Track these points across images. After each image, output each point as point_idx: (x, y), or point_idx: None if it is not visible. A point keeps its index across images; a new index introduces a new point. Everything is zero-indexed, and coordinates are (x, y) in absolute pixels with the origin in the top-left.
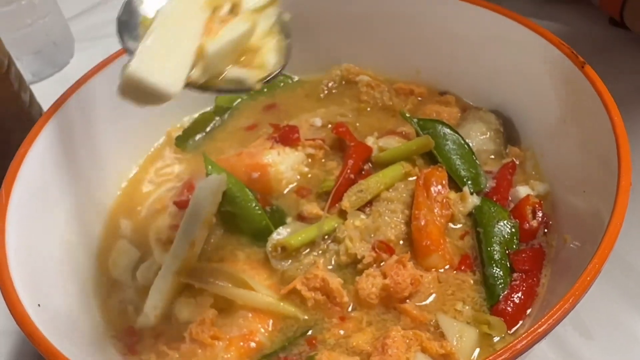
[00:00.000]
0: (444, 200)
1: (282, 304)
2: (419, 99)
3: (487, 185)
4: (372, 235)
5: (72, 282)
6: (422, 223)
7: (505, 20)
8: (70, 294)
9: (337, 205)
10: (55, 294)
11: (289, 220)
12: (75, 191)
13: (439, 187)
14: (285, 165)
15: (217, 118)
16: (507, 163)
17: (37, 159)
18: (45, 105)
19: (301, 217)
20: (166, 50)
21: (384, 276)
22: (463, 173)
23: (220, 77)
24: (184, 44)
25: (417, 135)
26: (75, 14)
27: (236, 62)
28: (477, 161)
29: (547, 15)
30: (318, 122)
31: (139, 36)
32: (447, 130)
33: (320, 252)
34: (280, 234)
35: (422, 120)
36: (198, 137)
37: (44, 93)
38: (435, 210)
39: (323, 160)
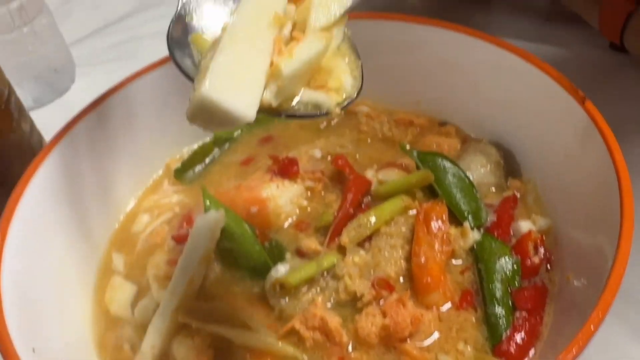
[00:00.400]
0: (445, 236)
1: (280, 344)
2: (419, 129)
3: (488, 219)
4: (372, 271)
5: (68, 322)
6: (423, 260)
7: (505, 53)
8: (67, 335)
9: (336, 240)
10: (50, 337)
11: (287, 255)
12: (72, 227)
13: (439, 222)
14: (284, 199)
15: (216, 149)
16: (508, 196)
17: (34, 198)
18: (45, 133)
19: (300, 253)
20: (239, 70)
21: (384, 315)
22: (464, 207)
23: (295, 101)
24: (256, 63)
25: (417, 167)
26: (77, 39)
27: (308, 84)
28: (477, 194)
29: (546, 39)
30: (318, 153)
31: (192, 55)
32: (448, 164)
33: (319, 289)
34: (279, 271)
35: (422, 153)
36: (197, 169)
37: (45, 119)
38: (436, 247)
39: (322, 192)
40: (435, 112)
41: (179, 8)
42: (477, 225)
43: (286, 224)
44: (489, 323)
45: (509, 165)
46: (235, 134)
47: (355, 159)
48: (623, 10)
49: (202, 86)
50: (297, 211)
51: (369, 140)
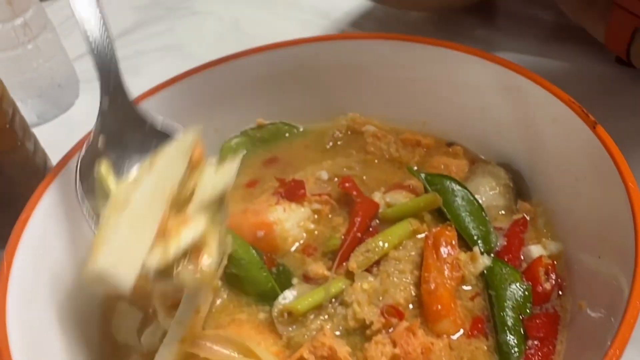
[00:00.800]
0: (454, 262)
1: None
2: (426, 150)
3: (498, 243)
4: (381, 298)
5: (75, 353)
6: (432, 287)
7: (514, 75)
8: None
9: (344, 265)
10: None
11: (295, 281)
12: (77, 254)
13: (449, 247)
14: (291, 222)
15: None
16: (518, 219)
17: (40, 225)
18: (50, 148)
19: (307, 278)
20: (127, 246)
21: (394, 345)
22: (473, 231)
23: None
24: (143, 239)
25: (425, 190)
26: (80, 54)
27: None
28: (487, 218)
29: (551, 53)
30: (324, 175)
31: (97, 196)
32: (456, 186)
33: (327, 316)
34: (287, 298)
35: (429, 175)
36: None
37: (49, 136)
38: (446, 273)
39: (329, 215)
40: (442, 132)
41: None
42: (487, 250)
43: (293, 248)
44: (501, 352)
45: (519, 188)
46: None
47: (362, 180)
48: (630, 24)
49: (93, 262)
50: (304, 235)
51: (376, 161)
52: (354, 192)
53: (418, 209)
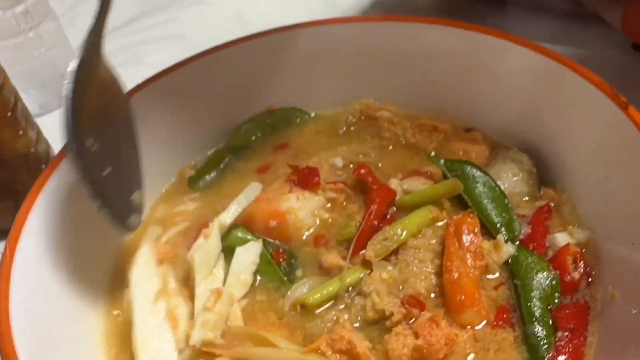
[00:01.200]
0: (477, 250)
1: (310, 357)
2: (443, 135)
3: (522, 231)
4: (401, 287)
5: (80, 346)
6: (455, 276)
7: (537, 56)
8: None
9: (360, 254)
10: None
11: (299, 272)
12: (82, 243)
13: (471, 235)
14: (304, 211)
15: (230, 156)
16: (542, 206)
17: (43, 213)
18: (52, 139)
19: (321, 268)
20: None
21: (416, 336)
22: (495, 219)
23: None
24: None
25: (444, 176)
26: None
27: None
28: (509, 205)
29: (566, 41)
30: (339, 162)
31: None
32: (477, 172)
33: (344, 306)
34: (298, 290)
35: (449, 161)
36: (211, 176)
37: (52, 126)
38: (469, 261)
39: (344, 203)
40: (459, 118)
41: None
42: (511, 238)
43: (305, 236)
44: (529, 344)
45: (542, 174)
46: (253, 138)
47: (377, 167)
48: None
49: None
50: (318, 223)
51: (391, 147)
52: (370, 179)
53: (437, 196)
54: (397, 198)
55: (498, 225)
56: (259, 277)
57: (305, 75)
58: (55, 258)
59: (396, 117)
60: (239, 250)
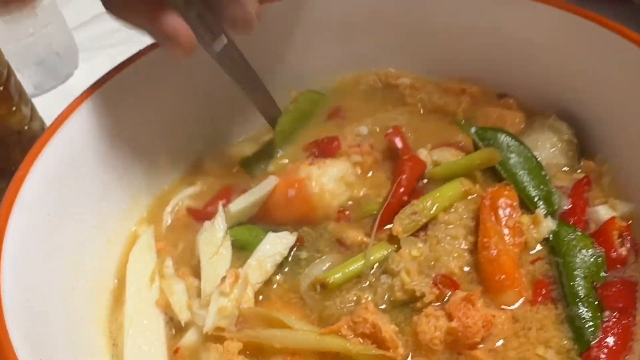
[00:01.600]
0: (516, 225)
1: (327, 338)
2: (472, 99)
3: (562, 205)
4: (432, 264)
5: (78, 330)
6: (493, 254)
7: (575, 18)
8: (75, 344)
9: (384, 229)
10: (59, 345)
11: (303, 255)
12: (75, 216)
13: (509, 209)
14: (327, 177)
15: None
16: (582, 179)
17: (37, 186)
18: (48, 121)
19: (342, 245)
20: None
21: (449, 317)
22: (532, 192)
23: None
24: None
25: (475, 147)
26: (80, 23)
27: None
28: (547, 177)
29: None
30: (364, 130)
31: None
32: (512, 141)
33: (368, 284)
34: (317, 268)
35: (481, 129)
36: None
37: (47, 107)
38: (507, 238)
39: (371, 172)
40: (489, 84)
41: None
42: (550, 212)
43: (335, 207)
44: (574, 327)
45: (581, 144)
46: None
47: (406, 137)
48: None
49: None
50: (345, 189)
51: (421, 112)
52: (401, 145)
53: (472, 167)
54: (426, 170)
55: (536, 199)
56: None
57: (321, 43)
58: (50, 233)
59: (419, 82)
60: (270, 236)
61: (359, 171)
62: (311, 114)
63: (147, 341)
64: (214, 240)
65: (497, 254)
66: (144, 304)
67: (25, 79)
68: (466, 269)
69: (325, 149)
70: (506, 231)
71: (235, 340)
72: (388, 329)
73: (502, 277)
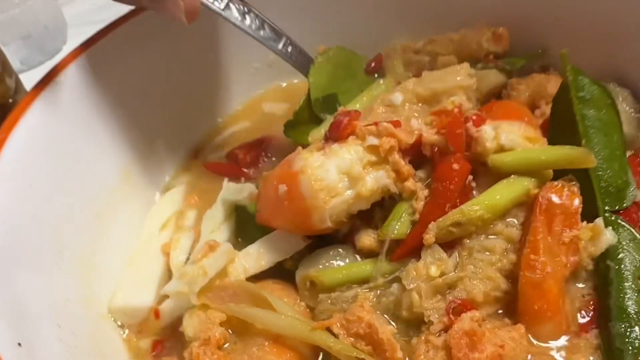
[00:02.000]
0: (574, 240)
1: (315, 331)
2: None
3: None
4: (450, 289)
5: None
6: (539, 276)
7: None
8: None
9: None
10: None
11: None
12: (59, 183)
13: (568, 219)
14: (324, 169)
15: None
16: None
17: (18, 153)
18: None
19: (351, 243)
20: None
21: (447, 353)
22: (612, 183)
23: None
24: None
25: (552, 115)
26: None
27: None
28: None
29: None
30: (398, 98)
31: None
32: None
33: (372, 286)
34: (317, 263)
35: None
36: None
37: (34, 83)
38: (561, 257)
39: (394, 156)
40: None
41: None
42: (616, 211)
43: (333, 204)
44: (611, 347)
45: None
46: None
47: None
48: None
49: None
50: (346, 183)
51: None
52: (459, 129)
53: (551, 164)
54: (489, 157)
55: (610, 190)
56: None
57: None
58: (36, 201)
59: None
60: (276, 234)
61: (374, 158)
62: (349, 69)
63: (141, 277)
64: (216, 217)
65: (543, 277)
66: (152, 246)
67: (11, 53)
68: (495, 293)
69: (333, 129)
70: (560, 249)
71: (218, 310)
72: (385, 330)
73: (545, 306)
